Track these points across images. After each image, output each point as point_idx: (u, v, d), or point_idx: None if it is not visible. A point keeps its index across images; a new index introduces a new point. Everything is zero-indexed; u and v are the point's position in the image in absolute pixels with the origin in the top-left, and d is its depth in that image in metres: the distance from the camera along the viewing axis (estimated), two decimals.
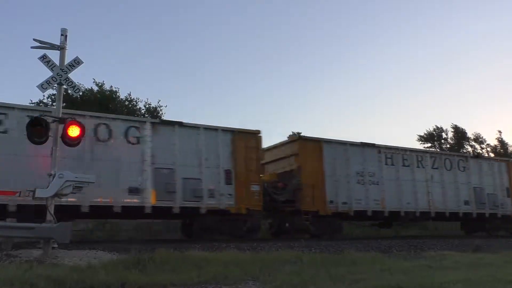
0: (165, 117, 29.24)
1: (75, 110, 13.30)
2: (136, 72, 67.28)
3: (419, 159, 19.73)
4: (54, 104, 14.28)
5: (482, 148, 43.54)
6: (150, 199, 13.41)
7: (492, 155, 40.01)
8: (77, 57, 9.18)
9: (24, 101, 27.66)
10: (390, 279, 6.32)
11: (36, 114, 10.28)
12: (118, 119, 13.98)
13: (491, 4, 74.78)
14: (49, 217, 8.44)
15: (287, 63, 78.05)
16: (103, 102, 26.66)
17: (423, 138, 43.30)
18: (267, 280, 6.35)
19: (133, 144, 13.55)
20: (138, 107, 29.35)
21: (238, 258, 8.13)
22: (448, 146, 42.31)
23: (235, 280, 6.34)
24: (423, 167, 19.66)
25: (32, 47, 8.95)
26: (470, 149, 43.14)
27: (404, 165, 19.11)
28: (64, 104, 10.25)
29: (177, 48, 76.06)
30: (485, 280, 6.29)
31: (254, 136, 15.93)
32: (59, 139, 8.87)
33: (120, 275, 6.02)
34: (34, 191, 8.50)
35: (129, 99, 29.04)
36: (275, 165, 17.65)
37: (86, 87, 27.21)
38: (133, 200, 13.21)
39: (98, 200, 12.65)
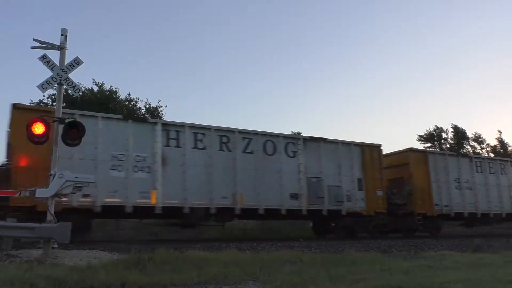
0: (165, 117, 29.31)
1: (250, 129, 16.18)
2: (136, 72, 67.35)
3: (502, 166, 22.58)
4: (54, 104, 14.29)
5: (482, 148, 43.56)
6: (305, 203, 16.14)
7: (492, 155, 40.02)
8: (77, 57, 9.17)
9: (24, 101, 27.62)
10: (390, 279, 6.31)
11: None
12: (280, 136, 16.64)
13: (491, 4, 74.86)
14: (49, 217, 8.43)
15: (287, 63, 78.15)
16: (103, 102, 26.66)
17: (423, 138, 43.34)
18: (267, 280, 6.35)
19: (291, 157, 16.35)
20: (138, 107, 29.39)
21: (238, 258, 8.12)
22: (448, 146, 42.31)
23: (235, 280, 6.33)
24: (505, 174, 22.49)
25: (32, 47, 8.94)
26: (470, 149, 43.16)
27: (490, 172, 21.90)
28: (64, 104, 10.24)
29: (177, 48, 76.16)
30: (485, 280, 6.28)
31: (377, 148, 18.78)
32: (60, 139, 8.86)
33: (120, 275, 6.01)
34: (34, 191, 8.49)
35: (128, 99, 29.06)
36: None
37: (86, 87, 27.24)
38: (294, 204, 15.98)
39: (271, 204, 15.56)
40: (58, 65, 8.96)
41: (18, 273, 5.71)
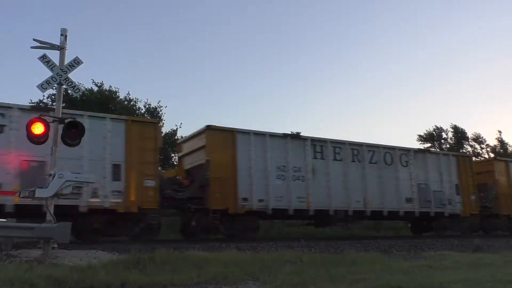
0: (165, 117, 29.37)
1: (374, 143, 18.87)
2: (136, 72, 67.31)
3: None
4: (54, 104, 14.35)
5: (482, 148, 43.57)
6: (418, 206, 19.01)
7: (492, 155, 40.03)
8: (77, 57, 9.17)
9: (24, 101, 27.66)
10: (390, 279, 6.31)
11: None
12: (396, 148, 19.46)
13: (491, 4, 74.85)
14: (49, 217, 8.42)
15: (287, 63, 78.13)
16: (103, 102, 26.66)
17: (423, 138, 43.36)
18: (267, 280, 6.35)
19: (404, 166, 19.18)
20: (137, 107, 29.38)
21: (238, 258, 8.12)
22: (448, 146, 42.32)
23: (235, 280, 6.33)
24: None
25: (32, 47, 8.94)
26: (470, 149, 43.16)
27: None
28: (64, 104, 10.24)
29: (177, 48, 76.13)
30: (485, 280, 6.27)
31: (469, 158, 22.81)
32: (59, 139, 8.85)
33: (120, 275, 6.01)
34: (34, 191, 8.49)
35: (128, 99, 29.05)
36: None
37: (86, 87, 27.25)
38: (409, 207, 18.83)
39: (392, 207, 18.41)
40: (58, 65, 8.95)
41: (18, 273, 5.71)
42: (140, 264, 6.93)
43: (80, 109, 16.47)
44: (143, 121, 14.04)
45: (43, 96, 26.46)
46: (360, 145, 18.28)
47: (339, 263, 8.14)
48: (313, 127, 77.32)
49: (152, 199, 13.61)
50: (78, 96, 18.20)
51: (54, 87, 9.24)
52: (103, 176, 13.00)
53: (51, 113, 9.20)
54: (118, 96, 28.57)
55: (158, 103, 30.20)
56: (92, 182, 9.19)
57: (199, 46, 74.99)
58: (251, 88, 75.29)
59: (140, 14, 72.89)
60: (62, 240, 8.27)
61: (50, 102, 25.24)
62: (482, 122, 70.56)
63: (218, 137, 15.29)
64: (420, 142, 43.00)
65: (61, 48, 9.04)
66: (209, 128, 15.28)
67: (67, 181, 8.44)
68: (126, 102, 28.69)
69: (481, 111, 72.55)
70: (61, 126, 8.83)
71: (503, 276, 6.62)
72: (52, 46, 9.03)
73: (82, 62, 9.16)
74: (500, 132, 44.49)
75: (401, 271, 7.31)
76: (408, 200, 18.81)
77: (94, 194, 12.75)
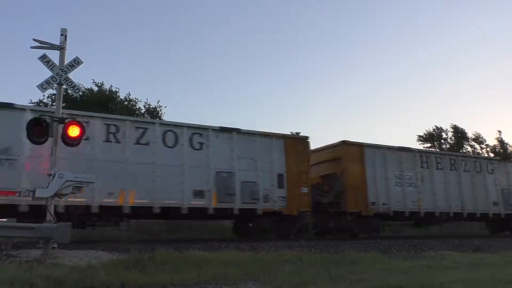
0: (165, 117, 29.32)
1: (466, 154, 22.18)
2: (136, 72, 67.26)
3: None
4: (54, 104, 14.36)
5: (482, 148, 43.57)
6: (503, 208, 21.51)
7: (491, 155, 40.03)
8: (77, 57, 9.17)
9: (24, 101, 27.64)
10: (390, 279, 6.31)
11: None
12: (483, 158, 23.56)
13: (491, 4, 74.85)
14: (49, 217, 8.42)
15: (287, 63, 78.12)
16: (103, 102, 26.67)
17: (422, 138, 43.35)
18: (267, 280, 6.34)
19: (490, 173, 21.85)
20: (137, 107, 29.36)
21: (238, 258, 8.11)
22: (448, 146, 42.31)
23: (235, 280, 6.33)
24: None
25: (32, 47, 8.94)
26: (470, 149, 43.16)
27: None
28: (64, 104, 10.24)
29: (177, 48, 76.10)
30: (485, 280, 6.27)
31: None
32: (59, 139, 8.85)
33: (120, 275, 6.01)
34: (34, 191, 8.49)
35: (128, 99, 29.03)
36: None
37: (86, 87, 27.23)
38: (496, 209, 21.35)
39: (483, 209, 20.93)
40: (58, 65, 8.95)
41: (18, 273, 5.71)
42: (140, 264, 6.92)
43: (80, 109, 16.45)
44: (296, 138, 17.52)
45: (43, 96, 26.48)
46: (456, 155, 22.01)
47: (339, 263, 8.13)
48: (313, 127, 77.30)
49: (306, 203, 16.34)
50: (78, 96, 18.27)
51: (54, 87, 9.24)
52: (271, 184, 15.77)
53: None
54: (118, 96, 28.59)
55: (158, 103, 30.22)
56: (93, 182, 9.14)
57: (199, 46, 75.04)
58: (251, 88, 75.34)
59: (140, 14, 72.93)
60: (62, 240, 8.26)
61: (50, 102, 25.26)
62: (482, 122, 70.69)
63: (351, 150, 18.12)
64: (420, 142, 43.01)
65: (61, 48, 9.05)
66: (344, 143, 18.26)
67: (67, 181, 8.43)
68: (126, 102, 28.69)
69: (481, 111, 72.65)
70: (61, 126, 8.83)
71: (503, 276, 6.62)
72: (52, 46, 9.04)
73: (82, 62, 9.16)
74: (500, 132, 44.55)
75: (401, 271, 7.31)
76: (495, 203, 21.39)
77: (265, 199, 15.50)
